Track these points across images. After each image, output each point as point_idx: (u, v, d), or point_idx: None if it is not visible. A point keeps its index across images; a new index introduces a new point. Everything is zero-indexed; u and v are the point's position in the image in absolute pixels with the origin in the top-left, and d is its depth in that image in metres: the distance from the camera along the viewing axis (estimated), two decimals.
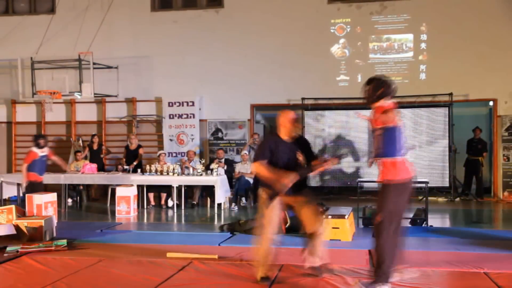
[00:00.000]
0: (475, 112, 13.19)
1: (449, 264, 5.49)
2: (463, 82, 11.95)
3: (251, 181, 11.05)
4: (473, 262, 5.53)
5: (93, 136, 12.72)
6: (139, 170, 11.27)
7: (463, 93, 12.03)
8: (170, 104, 13.18)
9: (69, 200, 11.36)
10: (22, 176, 8.73)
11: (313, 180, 12.61)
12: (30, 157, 8.65)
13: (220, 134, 13.19)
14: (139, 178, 10.47)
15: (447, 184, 12.13)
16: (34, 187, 8.59)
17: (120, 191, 9.77)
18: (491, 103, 12.27)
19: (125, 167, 11.67)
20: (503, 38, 11.84)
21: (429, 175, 12.10)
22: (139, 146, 12.19)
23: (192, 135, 13.11)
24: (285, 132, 4.99)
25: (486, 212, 10.32)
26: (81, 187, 11.61)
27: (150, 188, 10.79)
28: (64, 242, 6.52)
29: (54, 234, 7.20)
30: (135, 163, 11.79)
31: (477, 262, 5.52)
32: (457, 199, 11.84)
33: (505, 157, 11.98)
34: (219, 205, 10.21)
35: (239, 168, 11.19)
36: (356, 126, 12.50)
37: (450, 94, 11.87)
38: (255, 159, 5.01)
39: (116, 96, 13.27)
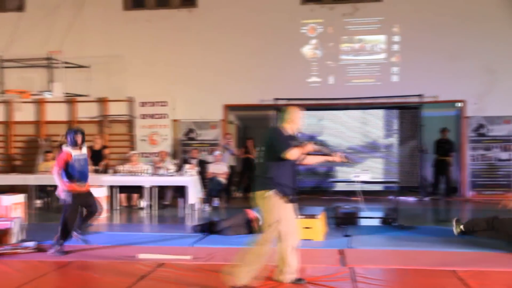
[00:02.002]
0: (444, 113, 13.43)
1: (418, 262, 5.56)
2: (433, 83, 12.15)
3: (224, 181, 11.01)
4: (441, 260, 5.62)
5: (63, 136, 12.46)
6: (110, 171, 11.11)
7: (433, 95, 12.23)
8: (143, 104, 13.05)
9: (38, 202, 11.13)
10: (59, 186, 6.39)
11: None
12: (65, 159, 6.39)
13: (192, 135, 13.12)
14: (110, 179, 10.32)
15: (416, 184, 12.33)
16: (77, 199, 6.38)
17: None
18: (459, 104, 12.51)
19: (95, 168, 11.47)
20: (472, 41, 12.08)
21: (399, 175, 12.31)
22: (104, 147, 11.99)
23: (164, 135, 13.00)
24: (292, 128, 4.86)
25: (454, 211, 10.51)
26: (51, 188, 11.37)
27: (122, 188, 10.65)
28: (32, 244, 6.38)
29: (22, 236, 7.03)
30: (102, 163, 11.58)
31: (446, 260, 5.61)
32: (426, 198, 12.03)
33: (472, 157, 12.22)
34: (192, 205, 10.14)
35: (211, 169, 11.14)
36: (328, 127, 12.61)
37: (420, 96, 12.06)
38: (285, 147, 4.60)
39: (87, 96, 13.05)
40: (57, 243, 6.20)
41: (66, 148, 6.48)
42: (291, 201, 4.75)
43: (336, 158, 4.98)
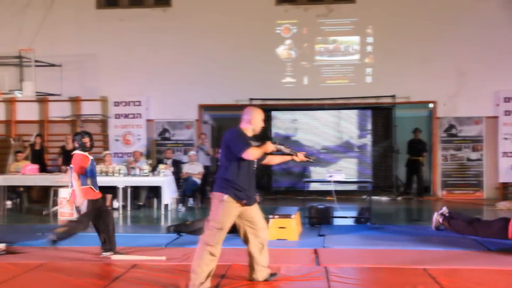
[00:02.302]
0: (417, 113, 13.66)
1: (390, 261, 5.64)
2: (405, 84, 12.34)
3: (199, 181, 10.98)
4: (413, 259, 5.71)
5: (36, 136, 12.26)
6: None
7: (405, 96, 12.41)
8: (116, 103, 12.92)
9: (9, 203, 10.90)
10: (77, 193, 5.99)
11: (262, 180, 12.67)
12: (81, 164, 6.09)
13: (167, 134, 13.04)
14: None
15: (389, 184, 12.51)
16: (95, 206, 6.09)
17: (63, 193, 9.46)
18: (431, 105, 12.72)
19: (68, 167, 11.29)
20: (443, 43, 12.30)
21: (373, 175, 12.46)
22: None
23: (138, 135, 12.90)
24: (252, 130, 4.74)
25: (426, 211, 10.68)
26: (22, 189, 11.15)
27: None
28: (2, 246, 6.24)
29: None
30: None
31: (417, 258, 5.70)
32: (399, 198, 12.20)
33: (443, 157, 12.45)
34: (166, 206, 10.08)
35: (186, 169, 11.09)
36: (303, 127, 12.69)
37: (393, 96, 12.23)
38: (244, 148, 4.48)
39: (59, 95, 12.85)
40: (57, 236, 5.98)
41: (81, 152, 6.18)
42: (246, 204, 4.65)
43: (297, 157, 4.91)
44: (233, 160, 4.59)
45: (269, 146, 4.67)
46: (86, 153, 6.20)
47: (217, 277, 4.98)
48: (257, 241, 4.76)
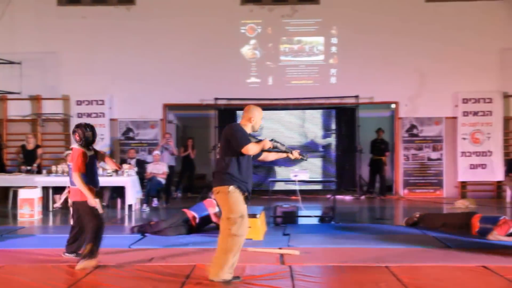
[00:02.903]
0: (380, 114, 13.92)
1: (354, 259, 5.73)
2: (369, 85, 12.55)
3: (163, 181, 10.89)
4: (375, 256, 5.82)
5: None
6: (44, 171, 10.72)
7: (368, 96, 12.63)
8: (79, 102, 12.69)
9: None
10: (86, 193, 5.55)
11: None
12: (82, 160, 5.60)
13: (131, 134, 12.88)
14: (44, 180, 9.96)
15: (353, 183, 12.71)
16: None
17: (22, 193, 9.23)
18: (393, 105, 12.98)
19: (28, 167, 11.03)
20: (404, 44, 12.56)
21: (337, 174, 12.63)
22: (37, 146, 11.54)
23: (101, 134, 12.67)
24: (252, 127, 4.89)
25: (388, 209, 10.89)
26: None
27: (56, 189, 10.31)
28: None
29: None
30: (35, 164, 11.13)
31: (380, 256, 5.82)
32: (363, 197, 12.40)
33: (405, 157, 12.72)
34: (130, 206, 9.96)
35: (150, 169, 10.98)
36: (268, 127, 12.74)
37: (357, 97, 12.42)
38: (244, 143, 4.64)
39: (19, 93, 12.53)
40: (89, 255, 5.34)
41: (79, 147, 5.66)
42: (246, 198, 4.81)
43: (292, 155, 5.04)
44: (233, 155, 4.73)
45: (267, 143, 4.80)
46: (85, 149, 5.68)
47: (181, 277, 4.96)
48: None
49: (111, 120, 12.80)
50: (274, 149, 4.95)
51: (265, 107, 12.67)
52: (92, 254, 5.37)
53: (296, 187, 8.52)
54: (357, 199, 12.22)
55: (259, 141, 4.82)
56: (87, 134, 5.67)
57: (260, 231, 7.04)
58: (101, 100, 12.69)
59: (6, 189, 10.83)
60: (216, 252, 4.77)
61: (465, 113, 12.46)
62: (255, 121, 4.89)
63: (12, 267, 5.48)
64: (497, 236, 6.71)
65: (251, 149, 4.68)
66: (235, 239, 4.66)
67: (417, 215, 7.97)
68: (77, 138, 5.69)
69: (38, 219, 9.11)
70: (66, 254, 5.86)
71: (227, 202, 4.71)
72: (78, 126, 5.79)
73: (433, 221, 7.72)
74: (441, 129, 12.62)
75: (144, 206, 10.39)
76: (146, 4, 12.82)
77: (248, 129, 4.87)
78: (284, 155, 5.10)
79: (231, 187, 4.71)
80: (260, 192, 12.45)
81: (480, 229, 7.02)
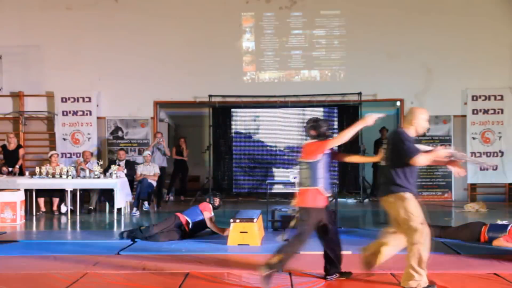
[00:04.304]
0: (384, 112, 13.89)
1: (357, 265, 5.72)
2: (372, 81, 12.57)
3: (154, 183, 10.88)
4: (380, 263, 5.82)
5: None
6: (27, 173, 10.70)
7: (372, 93, 12.64)
8: (64, 99, 12.67)
9: None
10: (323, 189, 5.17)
11: (222, 182, 12.69)
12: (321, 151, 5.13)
13: (120, 133, 12.86)
14: (27, 182, 9.94)
15: (356, 185, 12.71)
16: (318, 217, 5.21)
17: (4, 196, 9.21)
18: (398, 103, 13.00)
19: (10, 169, 11.00)
20: (410, 38, 12.58)
21: (339, 176, 12.63)
22: (19, 146, 11.51)
23: (88, 134, 12.68)
24: (415, 130, 4.94)
25: None
26: None
27: (40, 192, 10.29)
28: None
29: None
30: (17, 165, 11.10)
31: (385, 263, 5.80)
32: (366, 200, 12.41)
33: None
34: (119, 210, 9.95)
35: (141, 170, 10.97)
36: (265, 125, 12.74)
37: (359, 94, 12.43)
38: (412, 154, 4.72)
39: None
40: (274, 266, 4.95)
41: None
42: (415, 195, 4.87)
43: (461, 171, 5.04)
44: (402, 164, 4.82)
45: (440, 153, 4.88)
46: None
47: (174, 286, 4.95)
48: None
49: (99, 118, 12.77)
50: (450, 158, 4.92)
51: (262, 105, 12.77)
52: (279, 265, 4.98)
53: (296, 189, 8.50)
54: (360, 202, 12.23)
55: (430, 150, 4.87)
56: (323, 130, 5.23)
57: (258, 236, 7.04)
58: (88, 97, 12.66)
59: None
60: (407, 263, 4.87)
61: (475, 111, 12.48)
62: (417, 123, 4.93)
63: None
64: (503, 242, 6.72)
65: (420, 161, 4.74)
66: (418, 246, 4.75)
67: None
68: (314, 133, 5.23)
69: (21, 224, 9.09)
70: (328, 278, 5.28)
71: (405, 208, 4.79)
72: (317, 120, 5.31)
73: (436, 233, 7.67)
74: (449, 128, 12.64)
75: (134, 210, 10.38)
76: None
77: (411, 133, 4.91)
78: (446, 163, 5.01)
79: (407, 194, 4.80)
80: (257, 195, 12.47)
81: (489, 239, 7.04)
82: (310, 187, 5.10)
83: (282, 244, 5.20)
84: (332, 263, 5.21)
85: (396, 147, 4.87)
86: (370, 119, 5.02)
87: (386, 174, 4.95)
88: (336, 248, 5.23)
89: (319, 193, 5.08)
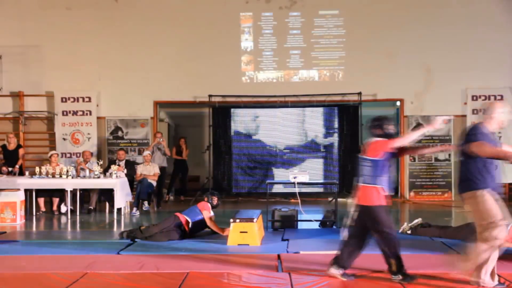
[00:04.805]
0: (384, 112, 13.91)
1: (357, 266, 5.73)
2: (372, 81, 12.57)
3: (154, 183, 10.89)
4: (381, 263, 5.81)
5: None
6: (27, 173, 10.70)
7: (372, 93, 12.65)
8: (64, 99, 12.68)
9: None
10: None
11: (222, 182, 12.69)
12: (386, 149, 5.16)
13: (120, 133, 12.87)
14: (27, 182, 9.94)
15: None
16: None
17: (4, 196, 9.21)
18: (398, 103, 13.00)
19: (10, 169, 11.00)
20: (411, 37, 12.59)
21: (339, 176, 12.62)
22: (19, 146, 11.51)
23: (88, 134, 12.69)
24: (497, 124, 4.92)
25: (393, 213, 10.90)
26: None
27: (40, 192, 10.29)
28: None
29: None
30: (17, 165, 11.10)
31: (383, 263, 5.81)
32: None
33: (411, 158, 12.74)
34: (119, 210, 9.95)
35: (141, 170, 10.97)
36: (265, 125, 12.75)
37: (359, 94, 12.44)
38: (476, 139, 4.68)
39: None
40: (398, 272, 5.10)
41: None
42: (497, 200, 4.81)
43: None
44: (473, 157, 4.75)
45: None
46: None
47: (174, 286, 4.96)
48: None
49: (99, 118, 12.78)
50: None
51: (262, 105, 12.78)
52: (399, 270, 5.08)
53: (296, 189, 8.53)
54: None
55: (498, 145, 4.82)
56: (389, 127, 5.29)
57: (257, 236, 7.04)
58: (88, 97, 12.67)
59: None
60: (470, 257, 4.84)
61: (475, 111, 12.48)
62: (497, 116, 4.90)
63: None
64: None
65: (480, 148, 4.66)
66: (494, 243, 4.72)
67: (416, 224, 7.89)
68: (379, 131, 5.29)
69: (21, 224, 9.10)
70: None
71: (482, 207, 4.74)
72: (382, 119, 5.35)
73: (432, 234, 7.65)
74: (449, 128, 12.64)
75: (134, 209, 10.38)
76: None
77: (491, 127, 4.87)
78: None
79: (479, 191, 4.74)
80: (257, 195, 12.48)
81: None
82: (371, 185, 5.15)
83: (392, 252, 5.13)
84: (341, 259, 5.25)
85: (468, 141, 4.81)
86: (436, 122, 5.04)
87: (461, 169, 4.93)
88: (358, 251, 5.31)
89: (381, 191, 5.13)
